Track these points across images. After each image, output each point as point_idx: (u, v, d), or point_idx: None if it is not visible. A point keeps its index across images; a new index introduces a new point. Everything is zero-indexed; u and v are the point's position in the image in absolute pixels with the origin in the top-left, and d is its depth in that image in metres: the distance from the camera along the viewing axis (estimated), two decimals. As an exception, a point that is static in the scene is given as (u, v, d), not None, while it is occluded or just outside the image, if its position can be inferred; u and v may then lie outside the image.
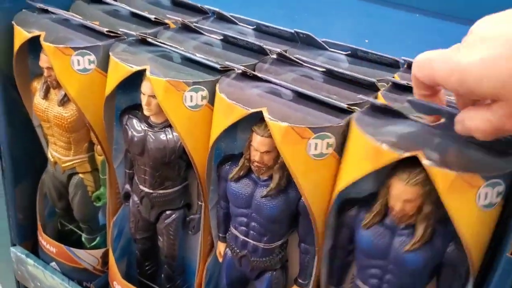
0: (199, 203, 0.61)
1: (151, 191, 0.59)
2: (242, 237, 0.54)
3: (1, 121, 0.68)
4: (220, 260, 0.61)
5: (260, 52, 0.59)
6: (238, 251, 0.55)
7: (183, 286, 0.69)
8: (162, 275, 0.67)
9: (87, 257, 0.71)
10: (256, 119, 0.49)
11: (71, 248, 0.70)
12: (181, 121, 0.52)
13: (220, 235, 0.60)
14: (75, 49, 0.55)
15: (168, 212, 0.62)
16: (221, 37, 0.61)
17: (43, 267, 0.73)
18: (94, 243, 0.73)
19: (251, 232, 0.53)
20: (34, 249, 0.77)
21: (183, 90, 0.50)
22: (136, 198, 0.62)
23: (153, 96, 0.53)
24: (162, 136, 0.56)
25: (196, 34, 0.62)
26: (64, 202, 0.71)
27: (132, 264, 0.70)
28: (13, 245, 0.78)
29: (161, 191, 0.59)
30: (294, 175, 0.45)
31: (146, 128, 0.56)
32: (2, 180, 0.72)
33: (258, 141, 0.47)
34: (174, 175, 0.58)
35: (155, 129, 0.56)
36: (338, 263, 0.53)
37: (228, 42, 0.60)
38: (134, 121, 0.57)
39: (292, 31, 0.64)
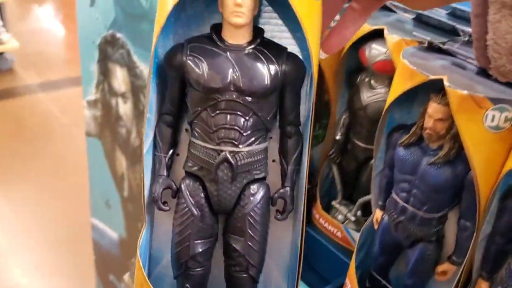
0: (290, 167, 0.43)
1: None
2: (402, 203, 0.56)
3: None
4: (375, 227, 0.64)
5: (452, 33, 0.60)
6: (395, 216, 0.57)
7: None
8: None
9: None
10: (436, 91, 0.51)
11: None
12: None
13: (380, 203, 0.63)
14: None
15: (254, 186, 0.43)
16: (413, 16, 0.63)
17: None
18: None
19: (412, 199, 0.55)
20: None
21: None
22: None
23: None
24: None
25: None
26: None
27: None
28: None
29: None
30: (466, 145, 0.47)
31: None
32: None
33: (433, 108, 0.49)
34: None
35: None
36: (494, 250, 0.53)
37: (421, 21, 0.63)
38: None
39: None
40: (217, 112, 0.40)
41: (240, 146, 0.41)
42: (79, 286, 1.81)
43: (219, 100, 0.40)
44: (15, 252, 1.95)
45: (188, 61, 0.40)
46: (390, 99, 0.53)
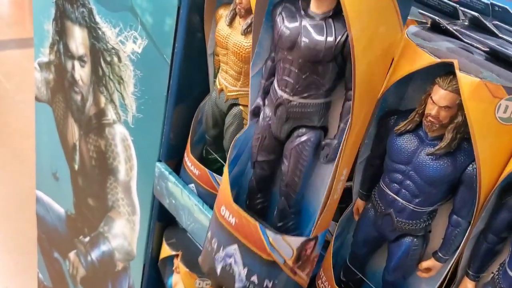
0: (342, 125, 0.53)
1: (290, 98, 0.53)
2: (391, 194, 0.52)
3: (179, 43, 0.73)
4: (356, 217, 0.61)
5: (452, 15, 0.56)
6: (382, 208, 0.54)
7: (294, 231, 0.61)
8: (275, 211, 0.61)
9: (225, 186, 0.74)
10: (434, 75, 0.47)
11: (214, 174, 0.73)
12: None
13: (363, 192, 0.59)
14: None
15: (303, 130, 0.55)
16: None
17: (183, 186, 0.78)
18: (232, 175, 0.76)
19: (403, 190, 0.51)
20: (176, 169, 0.83)
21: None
22: (268, 111, 0.56)
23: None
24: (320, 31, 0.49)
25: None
26: (217, 131, 0.74)
27: (239, 198, 0.64)
28: (159, 161, 0.84)
29: (301, 100, 0.52)
30: (474, 135, 0.43)
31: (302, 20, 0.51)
32: (166, 97, 0.78)
33: (439, 94, 0.45)
34: (321, 82, 0.51)
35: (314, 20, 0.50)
36: (486, 249, 0.50)
37: (420, 2, 0.58)
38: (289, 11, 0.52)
39: (488, 2, 0.60)
40: (285, 65, 0.52)
41: (294, 96, 0.52)
42: (20, 261, 1.71)
43: (287, 57, 0.51)
44: None
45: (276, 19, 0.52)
46: (392, 80, 0.49)
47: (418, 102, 0.50)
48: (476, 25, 0.54)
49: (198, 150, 0.81)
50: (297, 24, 0.51)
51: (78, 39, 0.90)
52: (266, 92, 0.57)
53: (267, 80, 0.57)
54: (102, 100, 0.91)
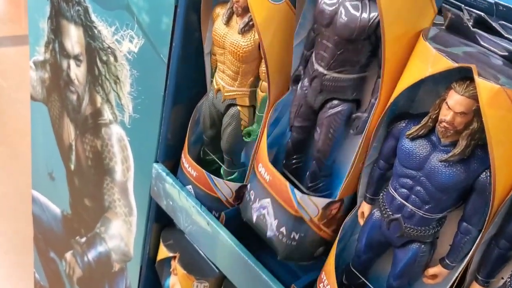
0: (372, 100, 0.54)
1: (324, 71, 0.55)
2: (400, 199, 0.50)
3: (176, 42, 0.70)
4: (360, 221, 0.59)
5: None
6: (390, 213, 0.52)
7: (324, 191, 0.65)
8: (307, 172, 0.63)
9: (224, 188, 0.72)
10: (447, 79, 0.45)
11: (211, 175, 0.71)
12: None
13: (368, 195, 0.57)
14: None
15: (335, 102, 0.57)
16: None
17: (180, 187, 0.76)
18: (231, 177, 0.74)
19: (413, 196, 0.49)
20: (174, 170, 0.80)
21: None
22: (306, 81, 0.58)
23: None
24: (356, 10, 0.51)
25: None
26: (214, 131, 0.72)
27: (278, 156, 0.68)
28: (156, 161, 0.82)
29: (335, 75, 0.55)
30: (490, 142, 0.41)
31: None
32: (163, 97, 0.75)
33: (455, 100, 0.43)
34: (355, 59, 0.53)
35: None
36: (497, 254, 0.49)
37: None
38: None
39: (492, 1, 0.58)
40: (322, 40, 0.54)
41: (329, 70, 0.54)
42: (16, 261, 1.69)
43: (324, 32, 0.53)
44: None
45: None
46: (407, 83, 0.47)
47: (430, 105, 0.48)
48: (481, 25, 0.52)
49: (196, 151, 0.79)
50: (336, 1, 0.52)
51: (74, 37, 0.87)
52: (307, 61, 0.59)
53: (308, 50, 0.59)
54: (98, 99, 0.89)
